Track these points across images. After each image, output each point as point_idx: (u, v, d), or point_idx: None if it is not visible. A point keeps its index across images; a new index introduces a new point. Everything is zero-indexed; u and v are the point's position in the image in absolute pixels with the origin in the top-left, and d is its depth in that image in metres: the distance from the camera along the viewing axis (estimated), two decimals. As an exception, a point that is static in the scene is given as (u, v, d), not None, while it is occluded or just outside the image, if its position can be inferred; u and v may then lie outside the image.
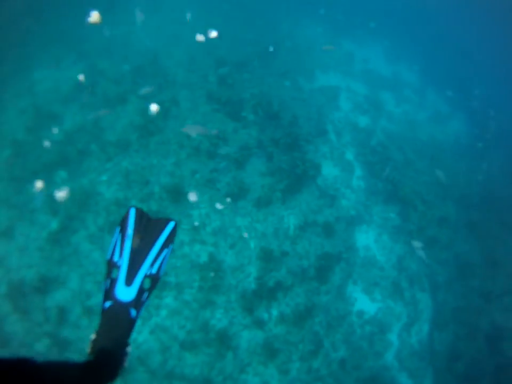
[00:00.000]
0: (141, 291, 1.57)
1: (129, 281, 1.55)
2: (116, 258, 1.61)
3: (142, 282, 1.59)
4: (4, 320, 7.94)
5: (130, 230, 1.64)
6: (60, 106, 10.14)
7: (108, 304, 1.53)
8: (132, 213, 1.70)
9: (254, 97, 10.55)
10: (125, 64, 10.81)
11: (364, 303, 10.77)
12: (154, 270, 1.66)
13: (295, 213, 10.90)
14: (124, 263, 1.58)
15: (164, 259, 1.71)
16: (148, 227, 1.69)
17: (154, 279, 1.66)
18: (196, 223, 9.33)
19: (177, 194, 9.23)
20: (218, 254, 9.70)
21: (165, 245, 1.71)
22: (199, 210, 9.53)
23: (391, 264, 11.63)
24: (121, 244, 1.63)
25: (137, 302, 1.55)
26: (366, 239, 11.91)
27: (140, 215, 1.71)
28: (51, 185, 9.65)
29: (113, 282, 1.56)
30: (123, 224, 1.67)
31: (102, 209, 9.44)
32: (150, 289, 1.64)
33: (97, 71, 10.55)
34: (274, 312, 9.62)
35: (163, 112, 9.18)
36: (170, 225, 1.73)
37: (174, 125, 9.41)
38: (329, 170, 12.03)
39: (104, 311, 1.53)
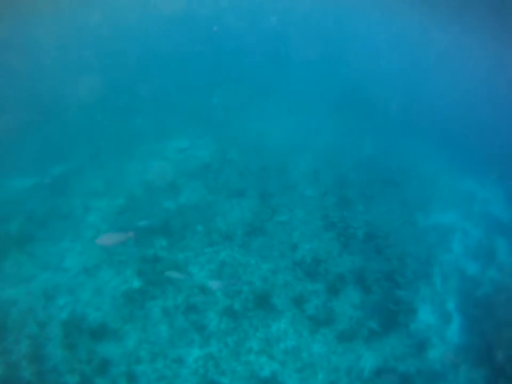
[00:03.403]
0: None
1: None
2: None
3: None
4: (49, 341, 8.09)
5: None
6: (182, 178, 10.85)
7: None
8: None
9: (366, 225, 10.19)
10: (253, 160, 11.34)
11: None
12: None
13: (375, 355, 9.80)
14: None
15: None
16: None
17: None
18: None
19: (263, 300, 8.91)
20: (282, 374, 8.95)
21: None
22: (279, 324, 9.03)
23: None
24: None
25: None
26: (445, 403, 10.17)
27: None
28: (149, 248, 10.10)
29: None
30: None
31: (185, 288, 9.48)
32: None
33: (226, 158, 11.23)
34: None
35: (274, 217, 9.24)
36: None
37: (281, 233, 9.36)
38: (425, 316, 10.82)
39: None
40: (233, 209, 9.93)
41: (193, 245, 9.75)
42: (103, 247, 10.22)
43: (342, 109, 16.41)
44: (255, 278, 9.04)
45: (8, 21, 24.11)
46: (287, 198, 10.51)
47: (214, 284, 8.84)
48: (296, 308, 9.06)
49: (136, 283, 9.54)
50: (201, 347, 8.77)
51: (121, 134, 14.23)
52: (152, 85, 18.09)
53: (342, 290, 9.37)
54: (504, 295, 13.74)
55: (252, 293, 8.99)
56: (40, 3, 26.32)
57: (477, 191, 16.47)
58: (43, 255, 9.95)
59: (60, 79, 17.35)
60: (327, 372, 9.19)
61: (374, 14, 38.03)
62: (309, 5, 37.22)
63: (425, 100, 21.39)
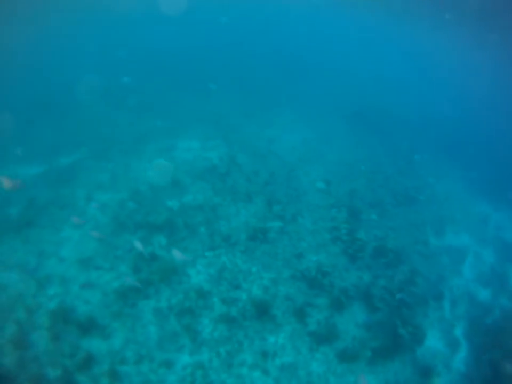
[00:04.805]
0: None
1: None
2: None
3: None
4: (35, 330, 7.81)
5: None
6: (189, 179, 10.50)
7: None
8: None
9: (376, 240, 9.68)
10: (262, 166, 10.97)
11: None
12: None
13: (378, 380, 9.23)
14: None
15: None
16: None
17: None
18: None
19: (261, 312, 8.44)
20: (276, 392, 8.41)
21: None
22: (277, 337, 8.54)
23: None
24: None
25: None
26: None
27: None
28: (147, 246, 9.74)
29: None
30: None
31: (181, 291, 9.07)
32: None
33: (235, 162, 10.87)
34: None
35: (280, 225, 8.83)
36: None
37: (287, 242, 8.91)
38: (432, 342, 10.26)
39: None
40: (239, 214, 9.52)
41: (194, 246, 9.35)
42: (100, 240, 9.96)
43: (357, 123, 16.06)
44: (255, 287, 8.59)
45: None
46: (295, 206, 10.08)
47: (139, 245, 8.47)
48: (296, 322, 8.57)
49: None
50: (192, 354, 8.31)
51: (133, 131, 14.01)
52: (169, 85, 17.95)
53: (347, 306, 8.87)
54: (514, 324, 13.08)
55: (250, 302, 8.53)
56: None
57: (491, 215, 15.91)
58: (39, 242, 9.71)
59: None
60: (324, 394, 8.65)
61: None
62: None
63: (445, 115, 20.93)
